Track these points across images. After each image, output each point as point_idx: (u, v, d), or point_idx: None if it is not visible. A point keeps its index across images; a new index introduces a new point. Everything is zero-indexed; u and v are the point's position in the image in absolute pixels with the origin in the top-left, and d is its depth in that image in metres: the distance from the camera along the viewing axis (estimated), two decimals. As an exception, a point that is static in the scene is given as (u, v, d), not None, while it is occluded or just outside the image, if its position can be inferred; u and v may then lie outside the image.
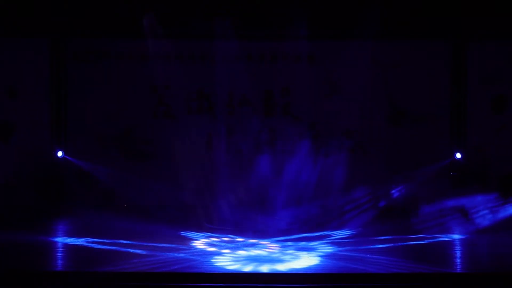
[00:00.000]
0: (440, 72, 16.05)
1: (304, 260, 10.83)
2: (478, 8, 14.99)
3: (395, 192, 15.71)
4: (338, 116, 15.77)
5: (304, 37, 15.30)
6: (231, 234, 13.10)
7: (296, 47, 15.67)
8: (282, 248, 11.88)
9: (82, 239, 12.43)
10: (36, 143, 15.92)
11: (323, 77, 15.93)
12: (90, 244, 12.03)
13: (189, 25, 15.44)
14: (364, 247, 11.83)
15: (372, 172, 15.68)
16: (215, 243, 12.39)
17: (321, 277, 9.75)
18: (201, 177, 15.13)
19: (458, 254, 11.97)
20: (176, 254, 11.15)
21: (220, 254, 11.39)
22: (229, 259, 10.90)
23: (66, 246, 12.15)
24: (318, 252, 11.51)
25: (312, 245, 12.12)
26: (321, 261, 10.77)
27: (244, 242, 12.47)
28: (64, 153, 15.97)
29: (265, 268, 10.19)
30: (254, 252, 11.59)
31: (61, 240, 12.75)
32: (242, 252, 11.53)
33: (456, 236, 13.25)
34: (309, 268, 10.29)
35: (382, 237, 12.70)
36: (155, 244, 11.81)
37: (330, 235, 13.17)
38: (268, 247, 12.04)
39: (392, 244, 12.17)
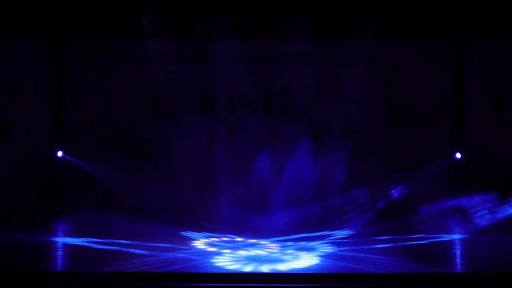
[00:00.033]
0: (440, 72, 16.05)
1: (304, 260, 10.83)
2: (478, 8, 14.99)
3: (395, 192, 15.72)
4: (338, 116, 15.76)
5: (304, 37, 15.30)
6: (231, 234, 13.09)
7: (296, 47, 15.67)
8: (282, 248, 11.87)
9: (82, 239, 12.42)
10: (36, 143, 15.92)
11: (323, 77, 15.93)
12: (90, 244, 12.02)
13: (189, 25, 15.44)
14: (364, 247, 11.82)
15: (372, 172, 15.68)
16: (215, 243, 12.39)
17: (321, 277, 9.75)
18: (201, 177, 15.13)
19: (458, 254, 11.97)
20: (176, 254, 11.14)
21: (220, 254, 11.39)
22: (229, 259, 10.89)
23: (66, 246, 12.15)
24: (318, 252, 11.50)
25: (312, 245, 12.11)
26: (321, 261, 10.77)
27: (244, 242, 12.46)
28: (64, 153, 15.97)
29: (265, 268, 10.19)
30: (254, 252, 11.59)
31: (61, 240, 12.74)
32: (242, 252, 11.53)
33: (456, 236, 13.25)
34: (309, 268, 10.29)
35: (382, 237, 12.69)
36: (155, 244, 11.80)
37: (330, 235, 13.17)
38: (268, 247, 12.04)
39: (392, 244, 12.17)
